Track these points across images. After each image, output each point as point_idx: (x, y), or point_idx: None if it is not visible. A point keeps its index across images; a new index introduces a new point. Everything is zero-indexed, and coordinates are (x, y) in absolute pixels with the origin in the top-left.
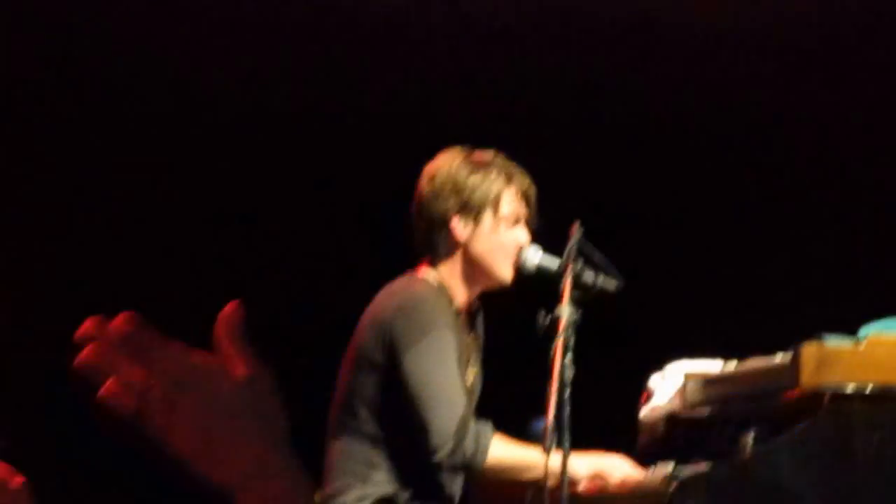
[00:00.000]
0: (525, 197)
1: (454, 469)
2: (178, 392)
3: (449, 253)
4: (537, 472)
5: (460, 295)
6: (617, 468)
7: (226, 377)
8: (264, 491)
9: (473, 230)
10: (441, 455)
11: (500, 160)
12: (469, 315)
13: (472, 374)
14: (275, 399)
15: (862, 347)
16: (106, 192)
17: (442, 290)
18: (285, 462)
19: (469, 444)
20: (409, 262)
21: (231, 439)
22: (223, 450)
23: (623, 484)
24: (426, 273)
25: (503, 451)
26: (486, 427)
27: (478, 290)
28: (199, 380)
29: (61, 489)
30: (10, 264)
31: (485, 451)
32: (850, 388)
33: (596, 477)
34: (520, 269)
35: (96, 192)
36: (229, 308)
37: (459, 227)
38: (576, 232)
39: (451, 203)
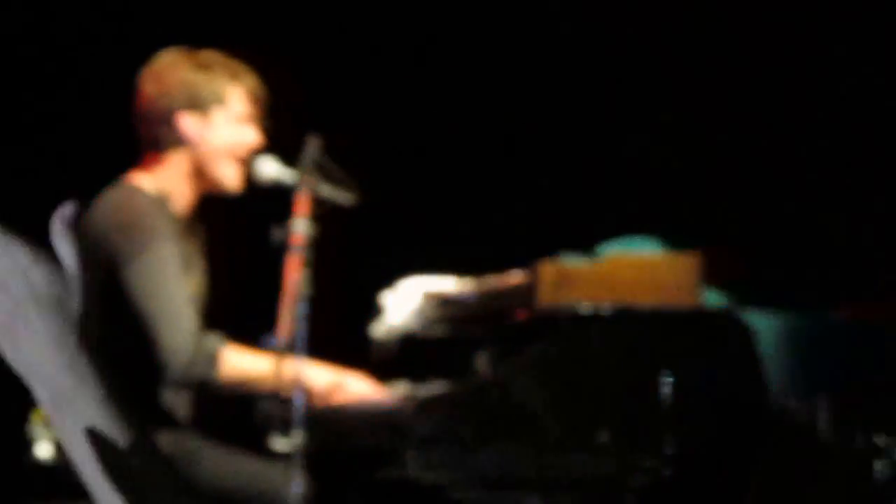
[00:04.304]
0: (254, 97)
1: (188, 385)
2: None
3: (175, 151)
4: (277, 383)
5: (182, 198)
6: (356, 384)
7: None
8: None
9: (202, 127)
10: (172, 371)
11: (227, 59)
12: (191, 220)
13: (195, 282)
14: None
15: (601, 267)
16: None
17: (161, 198)
18: None
19: (201, 357)
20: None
21: None
22: None
23: (361, 401)
24: (142, 180)
25: (237, 362)
26: (215, 338)
27: (201, 192)
28: None
29: None
30: None
31: (217, 363)
32: (587, 308)
33: (336, 388)
34: (253, 180)
35: None
36: None
37: (187, 122)
38: (311, 144)
39: (179, 99)
